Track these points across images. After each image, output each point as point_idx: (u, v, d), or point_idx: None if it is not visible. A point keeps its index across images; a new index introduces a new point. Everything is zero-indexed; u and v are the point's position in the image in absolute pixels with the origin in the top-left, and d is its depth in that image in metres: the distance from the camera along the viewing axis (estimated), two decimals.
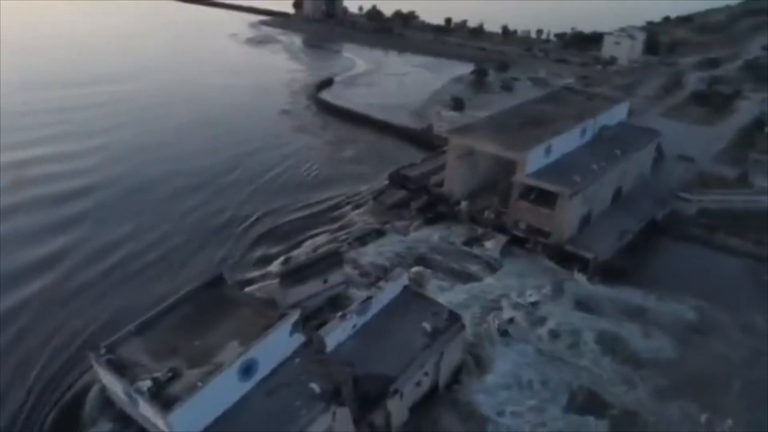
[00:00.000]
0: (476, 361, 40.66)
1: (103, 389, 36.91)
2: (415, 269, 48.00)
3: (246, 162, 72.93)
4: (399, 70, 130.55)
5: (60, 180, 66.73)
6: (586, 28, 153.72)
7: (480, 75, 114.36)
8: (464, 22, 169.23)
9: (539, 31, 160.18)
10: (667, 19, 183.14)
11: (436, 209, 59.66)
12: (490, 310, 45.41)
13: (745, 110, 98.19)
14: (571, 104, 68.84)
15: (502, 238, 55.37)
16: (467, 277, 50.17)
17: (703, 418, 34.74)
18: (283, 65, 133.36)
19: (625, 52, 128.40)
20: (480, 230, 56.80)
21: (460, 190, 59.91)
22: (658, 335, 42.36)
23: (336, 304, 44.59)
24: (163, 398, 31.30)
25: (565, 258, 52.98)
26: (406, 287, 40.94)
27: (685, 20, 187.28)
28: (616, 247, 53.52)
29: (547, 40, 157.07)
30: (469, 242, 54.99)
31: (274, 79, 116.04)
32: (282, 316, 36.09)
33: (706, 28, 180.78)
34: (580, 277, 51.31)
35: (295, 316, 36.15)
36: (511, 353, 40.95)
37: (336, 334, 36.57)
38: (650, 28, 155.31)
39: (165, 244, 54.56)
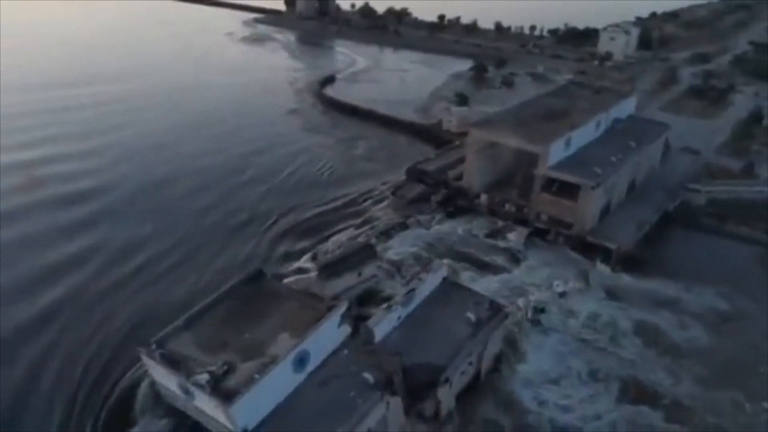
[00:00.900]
0: (513, 351, 41.37)
1: (152, 384, 36.91)
2: (444, 261, 48.51)
3: (257, 161, 72.95)
4: (398, 66, 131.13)
5: (68, 181, 66.20)
6: (578, 24, 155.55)
7: (479, 71, 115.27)
8: (458, 18, 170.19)
9: (533, 28, 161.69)
10: (654, 15, 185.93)
11: (455, 203, 60.32)
12: (521, 301, 46.10)
13: (740, 103, 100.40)
14: (580, 98, 69.93)
15: (524, 230, 56.27)
16: (494, 269, 50.99)
17: (748, 406, 35.71)
18: (283, 63, 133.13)
19: (620, 47, 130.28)
20: (501, 223, 57.64)
21: (478, 183, 60.71)
22: (692, 324, 43.43)
23: (369, 296, 45.24)
24: (221, 391, 31.58)
25: (587, 248, 54.03)
26: (445, 278, 41.60)
27: (672, 16, 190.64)
28: (636, 237, 54.66)
29: (541, 36, 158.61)
30: (492, 234, 55.84)
31: (277, 78, 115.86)
32: (331, 307, 36.48)
33: (693, 24, 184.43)
34: (603, 267, 52.36)
35: (343, 307, 36.60)
36: (549, 342, 41.76)
37: (383, 325, 37.07)
38: (641, 23, 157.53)
39: (186, 245, 54.55)
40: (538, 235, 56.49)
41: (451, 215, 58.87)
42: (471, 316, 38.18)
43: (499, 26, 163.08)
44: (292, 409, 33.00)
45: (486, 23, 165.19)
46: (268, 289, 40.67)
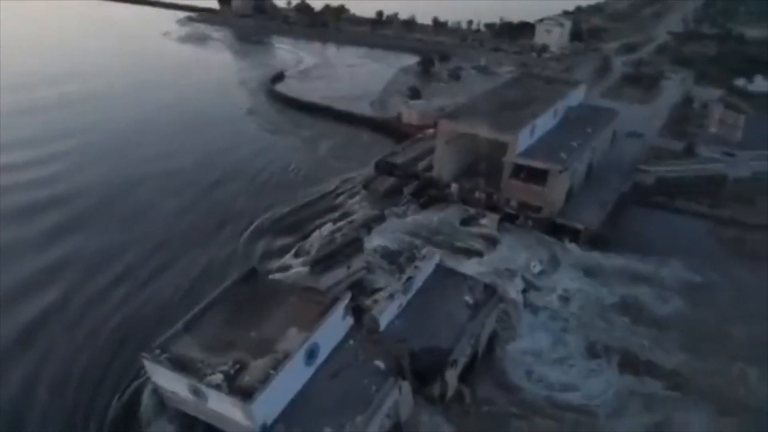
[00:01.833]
0: (506, 330, 43.04)
1: (154, 392, 36.13)
2: (426, 249, 49.48)
3: (223, 162, 71.52)
4: (345, 62, 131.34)
5: (28, 190, 63.03)
6: (512, 18, 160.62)
7: (427, 65, 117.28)
8: (396, 14, 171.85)
9: (470, 22, 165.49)
10: (579, 8, 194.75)
11: (427, 193, 61.65)
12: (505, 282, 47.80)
13: (672, 89, 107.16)
14: (535, 89, 72.96)
15: (495, 216, 58.27)
16: (473, 254, 52.60)
17: (734, 369, 38.58)
18: (227, 62, 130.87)
19: (555, 39, 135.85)
20: (472, 210, 59.45)
21: (448, 173, 62.31)
22: (670, 297, 46.15)
23: (358, 289, 45.76)
24: (237, 390, 31.51)
25: (556, 230, 56.65)
26: (437, 265, 42.79)
27: (597, 9, 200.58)
28: (600, 217, 57.82)
29: (478, 30, 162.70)
30: (466, 222, 57.56)
31: (226, 76, 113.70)
32: (334, 300, 36.93)
33: (616, 16, 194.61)
34: (573, 247, 55.08)
35: (347, 299, 37.13)
36: (539, 321, 43.68)
37: (386, 313, 37.83)
38: (571, 17, 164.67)
39: (163, 251, 52.94)
40: (508, 220, 58.56)
41: (424, 206, 60.15)
42: (468, 299, 39.58)
43: (436, 21, 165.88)
44: (307, 402, 33.32)
45: (424, 19, 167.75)
46: (265, 286, 40.69)
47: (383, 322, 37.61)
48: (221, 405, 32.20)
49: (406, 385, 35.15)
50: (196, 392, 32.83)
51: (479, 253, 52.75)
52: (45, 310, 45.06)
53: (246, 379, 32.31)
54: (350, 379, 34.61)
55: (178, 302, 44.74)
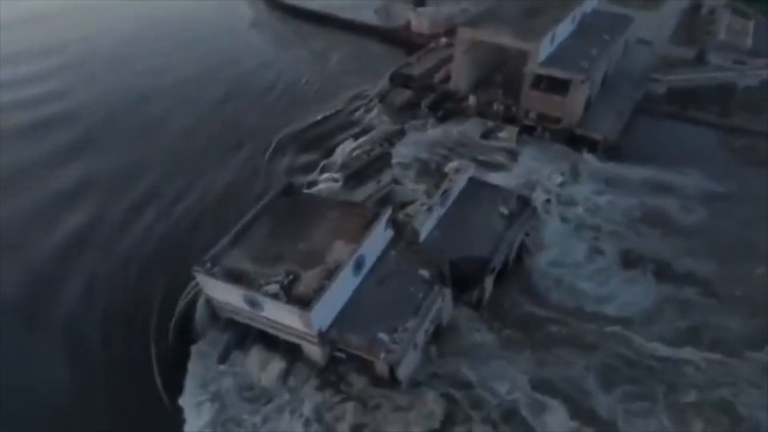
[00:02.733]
0: (536, 240, 44.53)
1: (206, 303, 37.59)
2: (459, 162, 50.00)
3: (230, 77, 69.23)
4: None
5: (37, 106, 61.44)
6: None
7: None
8: None
9: None
10: None
11: (444, 106, 61.29)
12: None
13: None
14: None
15: (514, 129, 58.48)
16: (495, 167, 53.37)
17: (756, 274, 40.51)
18: None
19: None
20: (490, 123, 59.52)
21: (465, 84, 61.73)
22: (693, 207, 47.36)
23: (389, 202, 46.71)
24: (293, 299, 33.00)
25: (574, 141, 57.20)
26: (471, 178, 43.62)
27: None
28: (617, 127, 58.37)
29: None
30: (485, 135, 57.81)
31: None
32: (377, 213, 37.90)
33: None
34: (590, 158, 55.89)
35: (388, 212, 38.08)
36: (568, 231, 44.95)
37: (426, 225, 39.00)
38: None
39: (186, 169, 52.43)
40: (525, 132, 58.84)
41: (442, 119, 59.98)
42: (504, 210, 40.76)
43: None
44: (357, 309, 35.11)
45: None
46: (304, 201, 41.44)
47: (423, 233, 38.80)
48: (278, 313, 33.81)
49: (448, 292, 36.89)
50: (251, 302, 34.29)
51: (501, 166, 53.41)
52: (77, 233, 45.25)
53: (301, 288, 33.72)
54: (396, 287, 36.25)
55: (212, 220, 45.26)
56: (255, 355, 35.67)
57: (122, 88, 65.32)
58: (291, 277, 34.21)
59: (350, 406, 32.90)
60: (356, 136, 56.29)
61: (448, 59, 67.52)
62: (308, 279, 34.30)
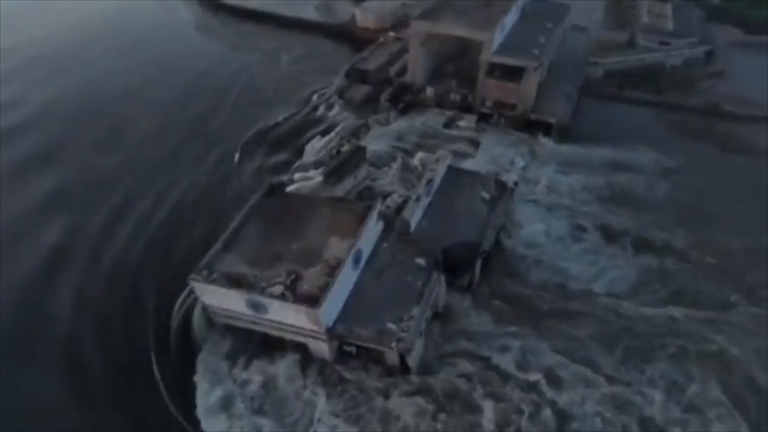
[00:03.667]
0: (511, 222, 46.35)
1: (203, 311, 37.02)
2: (439, 152, 50.56)
3: (185, 81, 67.20)
4: None
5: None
6: None
7: None
8: None
9: None
10: None
11: (403, 99, 62.42)
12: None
13: None
14: None
15: (473, 117, 60.52)
16: (461, 155, 54.96)
17: (719, 240, 43.73)
18: None
19: None
20: (449, 113, 61.26)
21: (422, 77, 63.06)
22: (652, 182, 50.60)
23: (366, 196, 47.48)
24: (300, 298, 33.28)
25: (529, 126, 59.84)
26: (449, 166, 44.95)
27: None
28: (568, 110, 61.47)
29: None
30: (447, 124, 59.54)
31: None
32: (368, 207, 38.56)
33: None
34: (546, 141, 58.67)
35: (378, 206, 38.84)
36: (541, 212, 47.01)
37: (415, 215, 40.02)
38: None
39: (159, 176, 50.99)
40: (483, 120, 60.97)
41: (403, 111, 61.14)
42: (485, 194, 42.38)
43: None
44: (360, 302, 35.71)
45: None
46: (290, 201, 41.54)
47: (413, 223, 39.79)
48: (283, 314, 33.95)
49: (442, 278, 38.11)
50: (254, 305, 34.23)
51: (467, 154, 55.12)
52: (55, 252, 43.18)
53: (305, 287, 33.95)
54: (395, 278, 37.11)
55: (192, 227, 44.51)
56: (261, 358, 35.49)
57: (75, 95, 62.16)
58: (293, 276, 34.37)
59: (365, 397, 33.43)
60: (323, 134, 56.36)
61: (400, 52, 68.82)
62: (310, 277, 34.56)
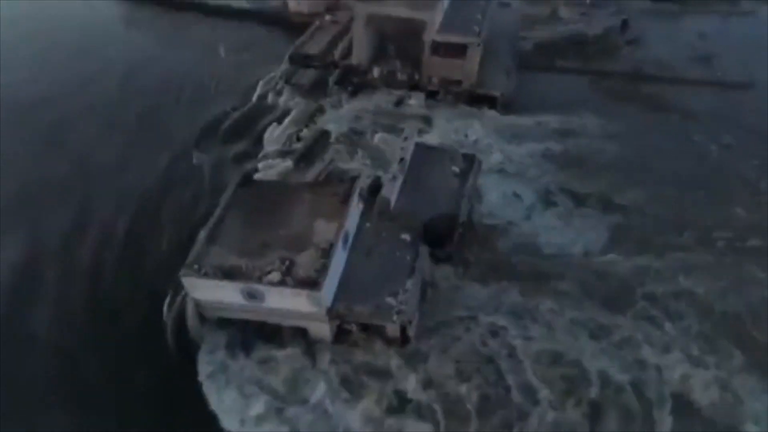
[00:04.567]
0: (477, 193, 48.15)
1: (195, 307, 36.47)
2: (406, 129, 51.19)
3: (130, 81, 63.92)
4: None
5: None
6: None
7: None
8: None
9: None
10: None
11: (350, 81, 62.83)
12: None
13: None
14: None
15: (421, 95, 61.99)
16: (417, 132, 56.22)
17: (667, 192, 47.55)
18: None
19: None
20: (397, 92, 62.40)
21: (366, 58, 63.63)
22: (600, 144, 53.69)
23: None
24: (300, 283, 33.74)
25: (475, 100, 62.10)
26: (416, 143, 46.14)
27: None
28: (509, 83, 64.17)
29: None
30: (398, 104, 60.69)
31: None
32: (349, 188, 39.22)
33: None
34: (493, 113, 61.13)
35: (359, 185, 39.56)
36: (507, 183, 49.12)
37: (394, 193, 41.03)
38: None
39: (116, 177, 48.73)
40: (430, 97, 62.58)
41: (353, 93, 61.58)
42: (455, 168, 43.96)
43: None
44: (354, 282, 36.42)
45: None
46: (267, 188, 41.44)
47: (392, 201, 40.80)
48: (282, 300, 34.20)
49: (425, 250, 39.50)
50: (251, 295, 34.23)
51: (422, 131, 56.49)
52: (20, 272, 40.34)
53: (300, 272, 34.30)
54: (384, 255, 38.07)
55: (161, 227, 43.28)
56: (261, 347, 35.56)
57: (4, 99, 57.40)
58: (287, 263, 34.56)
59: (369, 369, 34.43)
60: (278, 121, 55.83)
61: (340, 35, 69.04)
62: (304, 262, 34.90)
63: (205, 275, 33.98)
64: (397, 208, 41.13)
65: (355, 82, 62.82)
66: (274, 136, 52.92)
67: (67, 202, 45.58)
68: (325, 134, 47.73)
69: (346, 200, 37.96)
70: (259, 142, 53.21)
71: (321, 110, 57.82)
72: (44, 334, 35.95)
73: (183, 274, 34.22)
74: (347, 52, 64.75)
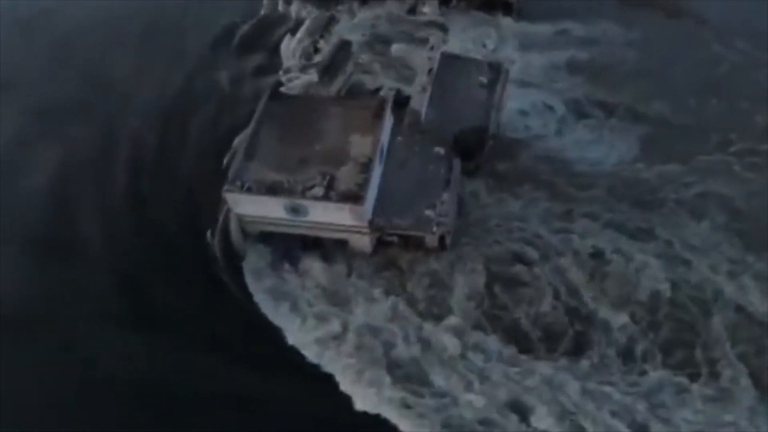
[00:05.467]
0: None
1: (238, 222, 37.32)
2: (432, 39, 49.69)
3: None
4: None
5: None
6: None
7: None
8: None
9: None
10: None
11: None
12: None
13: None
14: None
15: (434, 2, 59.89)
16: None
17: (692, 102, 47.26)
18: None
19: None
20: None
21: None
22: (624, 53, 52.40)
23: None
24: (343, 197, 34.52)
25: (488, 6, 60.20)
26: (442, 53, 45.43)
27: None
28: None
29: None
30: (411, 11, 58.69)
31: None
32: (382, 101, 39.14)
33: None
34: (508, 20, 59.48)
35: (390, 99, 39.45)
36: (531, 92, 48.68)
37: (424, 106, 40.97)
38: None
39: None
40: (443, 3, 60.51)
41: (363, 1, 59.36)
42: (483, 79, 43.67)
43: None
44: (391, 195, 37.34)
45: None
46: (298, 103, 41.19)
47: (422, 114, 40.82)
48: (325, 214, 35.14)
49: (457, 162, 40.05)
50: (294, 209, 35.07)
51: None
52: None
53: (341, 186, 34.99)
54: (418, 168, 38.71)
55: (196, 141, 43.16)
56: (307, 259, 36.79)
57: (3, 13, 54.07)
58: (328, 177, 35.11)
59: (411, 272, 36.07)
60: (291, 32, 54.06)
61: None
62: (344, 176, 35.50)
63: (248, 191, 34.54)
64: (427, 121, 41.21)
65: None
66: (290, 47, 51.46)
67: (90, 121, 44.81)
68: (346, 45, 46.55)
69: (378, 114, 37.90)
70: (275, 53, 51.81)
71: (334, 19, 55.84)
72: (96, 253, 36.67)
73: (226, 189, 34.78)
74: None
